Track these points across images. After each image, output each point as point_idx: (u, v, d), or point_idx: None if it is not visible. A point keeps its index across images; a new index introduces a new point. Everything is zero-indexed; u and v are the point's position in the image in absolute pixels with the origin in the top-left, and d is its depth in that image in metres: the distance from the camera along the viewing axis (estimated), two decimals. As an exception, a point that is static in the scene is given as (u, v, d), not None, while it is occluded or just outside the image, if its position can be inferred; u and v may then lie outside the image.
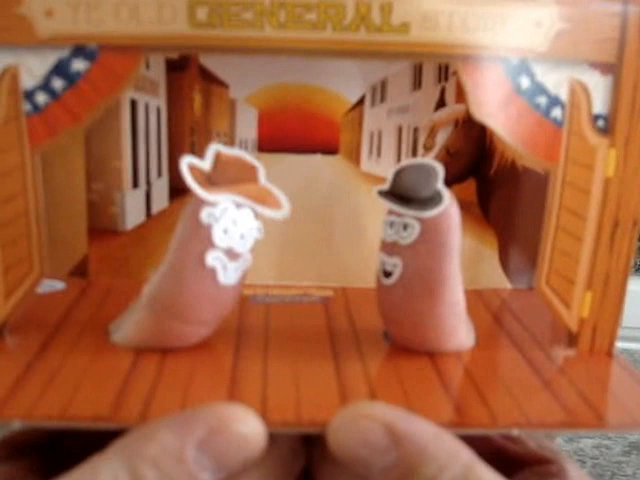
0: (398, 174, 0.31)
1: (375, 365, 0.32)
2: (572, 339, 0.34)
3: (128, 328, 0.33)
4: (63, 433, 0.32)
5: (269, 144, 0.42)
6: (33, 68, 0.33)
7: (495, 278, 0.44)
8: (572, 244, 0.34)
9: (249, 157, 0.31)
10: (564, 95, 0.33)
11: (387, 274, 0.32)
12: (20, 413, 0.27)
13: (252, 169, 0.31)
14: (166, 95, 0.42)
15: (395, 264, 0.31)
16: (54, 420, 0.27)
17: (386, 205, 0.31)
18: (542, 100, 0.33)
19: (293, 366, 0.32)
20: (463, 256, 0.41)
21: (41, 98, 0.33)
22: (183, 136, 0.43)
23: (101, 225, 0.43)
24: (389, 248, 0.32)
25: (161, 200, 0.44)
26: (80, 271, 0.43)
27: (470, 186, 0.43)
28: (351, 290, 0.41)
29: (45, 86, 0.33)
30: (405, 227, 0.31)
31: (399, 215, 0.31)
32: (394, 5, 0.31)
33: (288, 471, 0.27)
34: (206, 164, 0.30)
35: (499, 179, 0.43)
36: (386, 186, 0.31)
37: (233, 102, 0.42)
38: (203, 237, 0.30)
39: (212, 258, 0.30)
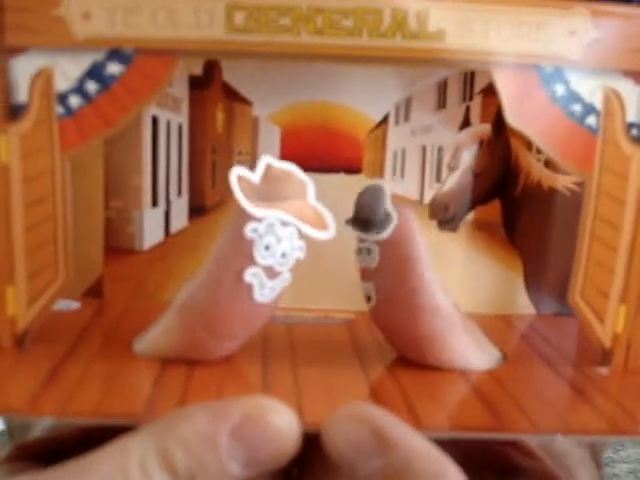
0: (356, 199, 0.32)
1: (405, 377, 0.32)
2: (605, 355, 0.34)
3: (155, 335, 0.32)
4: (85, 446, 0.31)
5: (291, 162, 0.42)
6: (67, 70, 0.32)
7: (521, 304, 0.43)
8: (607, 255, 0.34)
9: (300, 172, 0.31)
10: (599, 103, 0.33)
11: (368, 298, 0.33)
12: (52, 409, 0.26)
13: (302, 185, 0.31)
14: (188, 112, 0.42)
15: (370, 288, 0.32)
16: (88, 416, 0.26)
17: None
18: (577, 108, 0.33)
19: (324, 376, 0.31)
20: (487, 281, 0.41)
21: (74, 101, 0.33)
22: (204, 154, 0.43)
23: (118, 244, 0.42)
24: (363, 274, 0.33)
25: (180, 219, 0.43)
26: (95, 292, 0.41)
27: (495, 207, 0.43)
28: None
29: (79, 89, 0.33)
30: (369, 252, 0.32)
31: (362, 241, 0.32)
32: (430, 12, 0.32)
33: None
34: (256, 177, 0.30)
35: (525, 200, 0.43)
36: (351, 214, 0.32)
37: (256, 120, 0.42)
38: (244, 252, 0.29)
39: (250, 275, 0.29)
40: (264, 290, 0.30)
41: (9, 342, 0.32)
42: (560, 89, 0.33)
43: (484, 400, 0.29)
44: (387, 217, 0.31)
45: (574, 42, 0.32)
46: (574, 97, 0.33)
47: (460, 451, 0.25)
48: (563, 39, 0.32)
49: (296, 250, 0.30)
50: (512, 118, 0.33)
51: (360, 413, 0.25)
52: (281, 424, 0.24)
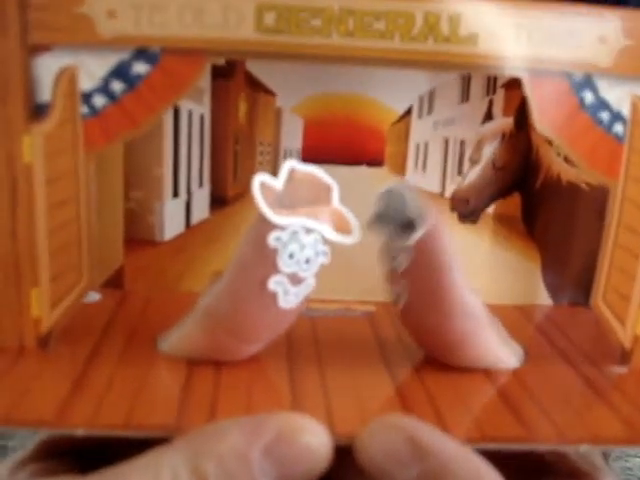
0: (383, 199, 0.30)
1: (430, 377, 0.32)
2: (625, 355, 0.34)
3: (179, 339, 0.32)
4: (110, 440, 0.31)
5: (313, 154, 0.42)
6: (93, 69, 0.32)
7: (538, 295, 0.43)
8: (629, 261, 0.34)
9: (324, 175, 0.30)
10: (626, 111, 0.33)
11: (395, 301, 0.32)
12: (83, 421, 0.26)
13: (326, 188, 0.30)
14: (210, 102, 0.41)
15: (398, 291, 0.32)
16: (119, 429, 0.26)
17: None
18: (605, 115, 0.33)
19: (350, 377, 0.31)
20: (506, 272, 0.41)
21: (99, 101, 0.32)
22: (226, 145, 0.42)
23: (138, 235, 0.42)
24: (390, 277, 0.32)
25: (201, 210, 0.43)
26: (115, 282, 0.41)
27: (515, 200, 0.43)
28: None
29: (104, 88, 0.32)
30: (397, 254, 0.31)
31: (389, 243, 0.31)
32: (462, 16, 0.31)
33: None
34: (279, 182, 0.29)
35: (545, 194, 0.43)
36: (373, 216, 0.31)
37: (279, 111, 0.42)
38: (268, 262, 0.29)
39: (274, 283, 0.29)
40: (288, 297, 0.30)
41: (33, 343, 0.32)
42: (589, 96, 0.33)
43: (509, 405, 0.29)
44: (416, 220, 0.30)
45: (604, 49, 0.32)
46: (602, 105, 0.33)
47: (494, 452, 0.25)
48: (593, 46, 0.32)
49: (320, 256, 0.30)
50: (540, 125, 0.33)
51: (393, 422, 0.25)
52: (314, 443, 0.24)
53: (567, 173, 0.41)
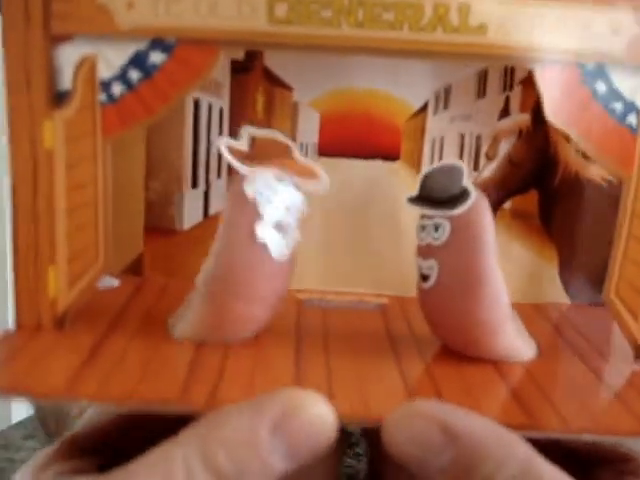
0: (425, 178, 0.31)
1: (437, 367, 0.32)
2: (639, 351, 0.34)
3: (189, 318, 0.33)
4: (127, 434, 0.32)
5: (329, 148, 0.42)
6: (111, 59, 0.33)
7: (554, 293, 0.43)
8: (643, 254, 0.34)
9: (281, 135, 0.32)
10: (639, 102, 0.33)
11: (425, 277, 0.32)
12: (89, 393, 0.27)
13: (286, 146, 0.31)
14: (229, 96, 0.42)
15: (431, 266, 0.31)
16: (123, 401, 0.27)
17: (418, 211, 0.32)
18: (618, 106, 0.33)
19: (356, 365, 0.31)
20: (522, 270, 0.40)
21: (117, 89, 0.33)
22: (244, 138, 0.43)
23: (158, 224, 0.43)
24: (424, 251, 0.32)
25: (220, 201, 0.44)
26: (134, 269, 0.42)
27: (532, 197, 0.43)
28: (408, 299, 0.41)
29: (121, 77, 0.33)
30: (436, 228, 0.31)
31: (430, 217, 0.31)
32: (472, 6, 0.31)
33: None
34: (243, 145, 0.31)
35: (562, 191, 0.42)
36: (415, 192, 0.31)
37: (296, 105, 0.42)
38: (250, 211, 0.30)
39: (261, 231, 0.30)
40: (279, 247, 0.31)
41: (50, 323, 0.33)
42: (602, 87, 0.32)
43: (517, 397, 0.29)
44: (465, 193, 0.30)
45: (617, 39, 0.32)
46: (615, 95, 0.33)
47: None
48: (606, 36, 0.32)
49: (297, 202, 0.31)
50: (552, 115, 0.33)
51: (421, 410, 0.25)
52: (318, 415, 0.24)
53: (585, 170, 0.41)
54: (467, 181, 0.31)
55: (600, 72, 0.32)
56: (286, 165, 0.31)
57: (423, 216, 0.32)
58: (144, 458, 0.24)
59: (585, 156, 0.41)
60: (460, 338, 0.33)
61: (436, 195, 0.31)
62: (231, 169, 0.44)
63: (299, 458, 0.24)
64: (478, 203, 0.31)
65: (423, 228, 0.32)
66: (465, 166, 0.31)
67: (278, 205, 0.31)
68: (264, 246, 0.31)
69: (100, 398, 0.27)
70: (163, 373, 0.30)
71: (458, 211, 0.30)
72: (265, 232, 0.30)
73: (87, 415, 0.34)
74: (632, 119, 0.33)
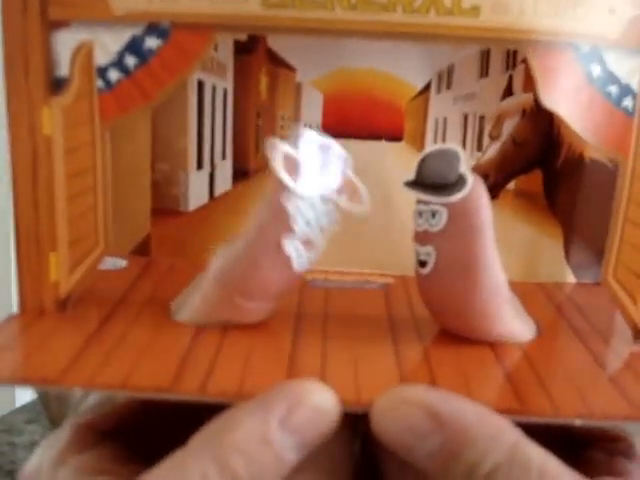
0: (422, 163, 0.31)
1: (434, 350, 0.32)
2: (638, 334, 0.34)
3: (194, 302, 0.33)
4: (145, 417, 0.32)
5: (333, 129, 0.42)
6: (107, 45, 0.33)
7: (559, 271, 0.43)
8: (640, 236, 0.33)
9: (338, 146, 0.31)
10: (636, 84, 0.32)
11: (422, 264, 0.32)
12: (82, 381, 0.28)
13: (340, 158, 0.31)
14: (233, 77, 0.42)
15: (428, 252, 0.31)
16: (115, 388, 0.27)
17: (414, 195, 0.31)
18: (613, 89, 0.32)
19: (352, 349, 0.31)
20: (527, 249, 0.40)
21: (113, 75, 0.34)
22: (248, 119, 0.43)
23: (164, 205, 0.43)
24: (421, 237, 0.32)
25: (224, 182, 0.44)
26: (142, 250, 0.43)
27: (536, 177, 0.43)
28: (411, 278, 0.41)
29: (118, 63, 0.34)
30: (433, 214, 0.31)
31: (427, 203, 0.31)
32: (465, -12, 0.31)
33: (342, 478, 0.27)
34: (295, 150, 0.30)
35: (566, 171, 0.42)
36: (412, 176, 0.31)
37: (299, 86, 0.42)
38: (284, 226, 0.30)
39: (289, 246, 0.30)
40: (302, 260, 0.31)
41: (52, 306, 0.34)
42: (597, 69, 0.32)
43: (511, 380, 0.29)
44: (461, 180, 0.30)
45: (613, 20, 0.31)
46: (611, 78, 0.32)
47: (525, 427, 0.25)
48: (602, 17, 0.31)
49: (333, 223, 0.31)
50: (546, 98, 0.32)
51: (409, 395, 0.25)
52: (323, 402, 0.25)
53: (590, 150, 0.40)
54: (464, 166, 0.30)
55: (595, 55, 0.32)
56: (336, 183, 0.31)
57: (420, 201, 0.31)
58: (158, 471, 0.24)
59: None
60: (459, 323, 0.33)
61: (433, 180, 0.31)
62: (237, 151, 0.44)
63: (308, 447, 0.25)
64: (475, 189, 0.30)
65: (420, 214, 0.31)
66: (462, 150, 0.30)
67: (313, 224, 0.30)
68: (288, 259, 0.31)
69: (93, 386, 0.28)
70: (159, 358, 0.30)
71: (455, 198, 0.30)
72: (293, 248, 0.30)
73: (92, 399, 0.34)
74: (628, 102, 0.32)
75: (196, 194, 0.44)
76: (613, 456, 0.29)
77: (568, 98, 0.32)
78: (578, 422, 0.27)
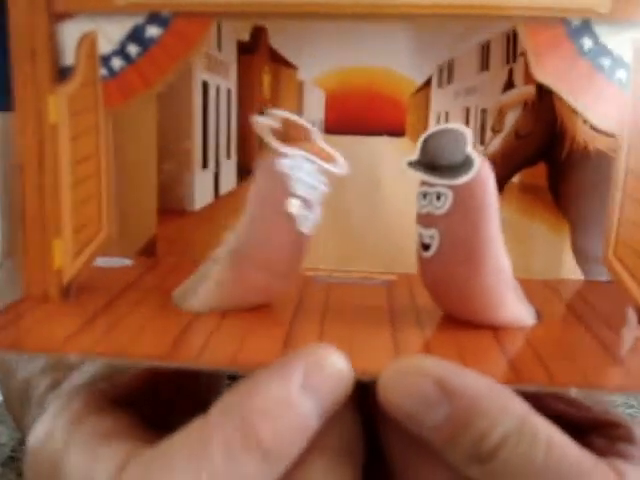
0: (426, 142, 0.31)
1: (433, 333, 0.32)
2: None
3: (208, 290, 0.33)
4: (161, 383, 0.32)
5: (336, 126, 0.43)
6: (110, 34, 0.34)
7: (567, 267, 0.42)
8: (640, 212, 0.33)
9: (302, 119, 0.32)
10: (628, 57, 0.32)
11: (425, 247, 0.31)
12: (80, 349, 0.28)
13: (307, 130, 0.32)
14: (237, 77, 0.43)
15: (432, 235, 0.31)
16: (112, 356, 0.28)
17: (417, 176, 0.31)
18: (606, 62, 0.32)
19: (349, 331, 0.31)
20: (532, 245, 0.40)
21: (117, 63, 0.35)
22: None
23: (170, 205, 0.44)
24: (424, 220, 0.31)
25: (229, 181, 0.45)
26: (148, 250, 0.44)
27: (541, 170, 0.43)
28: (415, 276, 0.40)
29: (121, 51, 0.35)
30: (438, 197, 0.30)
31: (431, 185, 0.31)
32: (456, -34, 0.32)
33: (352, 458, 0.26)
34: (276, 124, 0.32)
35: (571, 163, 0.42)
36: (415, 156, 0.31)
37: (301, 84, 0.43)
38: (282, 186, 0.31)
39: (292, 206, 0.31)
40: (305, 221, 0.32)
41: (56, 292, 0.34)
42: (588, 43, 0.32)
43: (505, 354, 0.29)
44: (468, 161, 0.30)
45: (602, -6, 0.32)
46: (603, 51, 0.32)
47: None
48: (592, -9, 0.32)
49: (321, 184, 0.32)
50: (539, 73, 0.33)
51: (418, 364, 0.25)
52: (340, 365, 0.25)
53: (594, 141, 0.40)
54: (471, 147, 0.30)
55: (586, 28, 0.32)
56: (308, 148, 0.32)
57: (424, 183, 0.31)
58: (179, 437, 0.24)
59: (593, 127, 0.40)
60: (461, 307, 0.32)
61: (438, 161, 0.30)
62: (241, 150, 0.45)
63: (328, 412, 0.25)
64: (482, 171, 0.30)
65: (424, 196, 0.31)
66: (469, 130, 0.30)
67: (306, 183, 0.31)
68: (292, 220, 0.31)
69: (91, 354, 0.28)
70: (157, 333, 0.30)
71: (462, 180, 0.30)
72: (295, 207, 0.31)
73: (87, 368, 0.34)
74: (621, 74, 0.33)
75: (202, 194, 0.44)
76: (614, 442, 0.29)
77: (561, 72, 0.33)
78: (573, 391, 0.27)
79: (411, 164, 0.31)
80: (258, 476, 0.23)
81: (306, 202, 0.31)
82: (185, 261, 0.42)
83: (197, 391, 0.34)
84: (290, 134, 0.32)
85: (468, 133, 0.30)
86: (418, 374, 0.24)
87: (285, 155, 0.31)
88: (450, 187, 0.30)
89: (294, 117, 0.32)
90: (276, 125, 0.32)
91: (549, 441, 0.24)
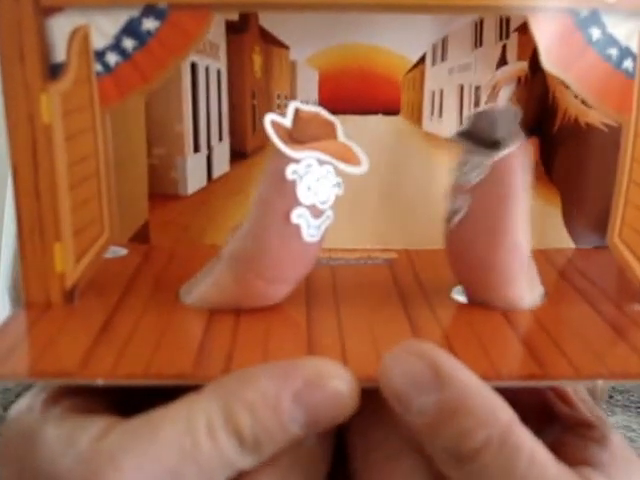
0: (478, 116, 0.31)
1: (448, 319, 0.32)
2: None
3: (206, 289, 0.33)
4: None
5: (330, 105, 0.42)
6: (104, 28, 0.33)
7: (559, 238, 0.43)
8: (644, 197, 0.34)
9: (327, 114, 0.31)
10: (635, 46, 0.32)
11: (453, 213, 0.32)
12: (103, 372, 0.27)
13: (330, 125, 0.31)
14: (226, 58, 0.42)
15: (461, 204, 0.32)
16: (138, 378, 0.27)
17: (459, 146, 0.32)
18: (613, 51, 0.33)
19: (367, 320, 0.32)
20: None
21: (112, 58, 0.33)
22: (244, 99, 0.43)
23: (162, 190, 0.43)
24: (457, 189, 0.32)
25: (222, 164, 0.44)
26: (141, 237, 0.43)
27: (533, 144, 0.43)
28: (415, 252, 0.41)
29: (116, 46, 0.33)
30: (474, 168, 0.31)
31: (469, 156, 0.31)
32: (463, -44, 0.31)
33: (307, 474, 0.27)
34: (287, 121, 0.30)
35: (562, 137, 0.42)
36: (463, 127, 0.31)
37: (293, 64, 0.42)
38: (288, 194, 0.30)
39: (297, 216, 0.30)
40: (311, 230, 0.31)
41: (59, 298, 0.33)
42: (596, 33, 0.32)
43: (526, 344, 0.29)
44: (510, 138, 0.30)
45: (610, -16, 0.31)
46: (610, 41, 0.32)
47: (504, 395, 0.25)
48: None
49: (335, 187, 0.31)
50: (548, 63, 0.32)
51: (418, 348, 0.25)
52: (342, 388, 0.25)
53: (585, 115, 0.41)
54: (517, 127, 0.31)
55: (594, 18, 0.32)
56: (329, 147, 0.30)
57: (465, 153, 0.31)
58: (166, 410, 0.24)
59: (584, 102, 0.41)
60: (476, 280, 0.33)
61: (482, 135, 0.31)
62: (233, 132, 0.44)
63: (317, 427, 0.25)
64: (520, 150, 0.31)
65: (461, 165, 0.32)
66: (517, 111, 0.31)
67: (316, 190, 0.30)
68: (297, 229, 0.30)
69: (115, 377, 0.27)
70: (176, 345, 0.30)
71: (499, 155, 0.30)
72: (300, 217, 0.30)
73: None
74: (628, 64, 0.33)
75: (194, 177, 0.43)
76: (587, 442, 0.29)
77: (570, 62, 0.33)
78: (600, 383, 0.27)
79: (460, 134, 0.31)
80: (237, 459, 0.24)
81: (314, 209, 0.30)
82: (179, 247, 0.42)
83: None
84: (310, 131, 0.30)
85: (518, 112, 0.31)
86: (417, 357, 0.25)
87: (295, 160, 0.29)
88: (488, 160, 0.31)
89: (315, 110, 0.31)
90: (286, 122, 0.30)
91: (531, 456, 0.24)
